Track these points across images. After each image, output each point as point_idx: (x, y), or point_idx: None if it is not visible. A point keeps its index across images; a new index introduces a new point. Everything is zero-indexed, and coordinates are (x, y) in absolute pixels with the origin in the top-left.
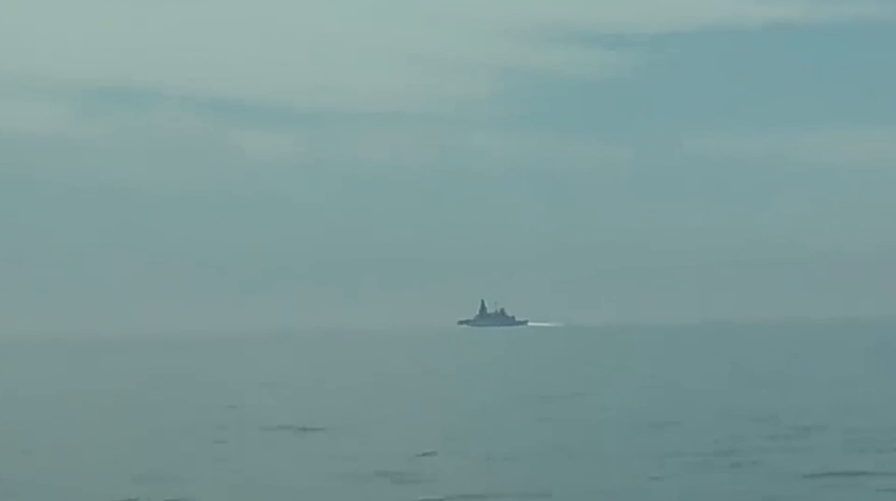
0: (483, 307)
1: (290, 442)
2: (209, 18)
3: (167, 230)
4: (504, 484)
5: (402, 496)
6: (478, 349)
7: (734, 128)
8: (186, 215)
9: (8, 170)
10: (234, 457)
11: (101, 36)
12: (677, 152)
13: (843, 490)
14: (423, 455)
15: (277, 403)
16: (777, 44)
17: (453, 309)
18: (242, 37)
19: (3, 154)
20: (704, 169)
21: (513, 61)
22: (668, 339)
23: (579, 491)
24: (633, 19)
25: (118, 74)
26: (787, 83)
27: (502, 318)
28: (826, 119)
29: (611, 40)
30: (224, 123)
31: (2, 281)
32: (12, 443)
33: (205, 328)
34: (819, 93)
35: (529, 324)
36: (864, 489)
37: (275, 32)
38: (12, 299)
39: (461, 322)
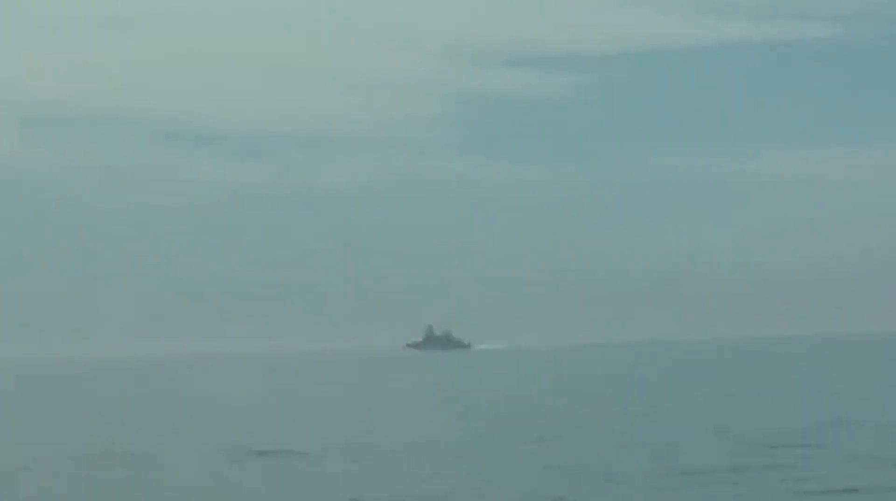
0: (430, 331)
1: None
2: (163, 45)
3: (119, 256)
4: None
5: None
6: (425, 373)
7: (683, 147)
8: (139, 240)
9: None
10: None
11: (56, 62)
12: (625, 173)
13: None
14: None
15: (218, 426)
16: (725, 63)
17: (400, 333)
18: (196, 64)
19: None
20: (652, 189)
21: (461, 83)
22: (615, 358)
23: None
24: (580, 40)
25: (72, 100)
26: (735, 102)
27: (449, 341)
28: (773, 137)
29: (558, 61)
30: (177, 149)
31: None
32: None
33: (154, 352)
34: (767, 111)
35: (476, 347)
36: None
37: (227, 60)
38: None
39: (408, 346)
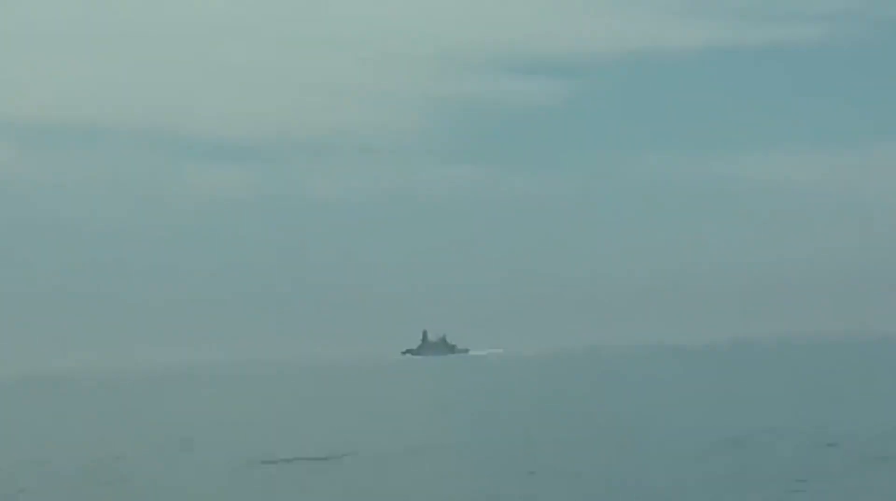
0: (425, 337)
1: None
2: (151, 58)
3: (112, 265)
4: None
5: None
6: (424, 380)
7: (671, 151)
8: (124, 249)
9: None
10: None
11: (44, 74)
12: (613, 177)
13: None
14: None
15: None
16: (713, 66)
17: (396, 340)
18: (183, 75)
19: None
20: (641, 193)
21: (448, 91)
22: (610, 362)
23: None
24: (567, 46)
25: (60, 112)
26: (723, 105)
27: (444, 347)
28: (762, 140)
29: (545, 67)
30: (165, 159)
31: None
32: None
33: (146, 362)
34: (755, 114)
35: (471, 352)
36: None
37: (214, 71)
38: None
39: (404, 352)
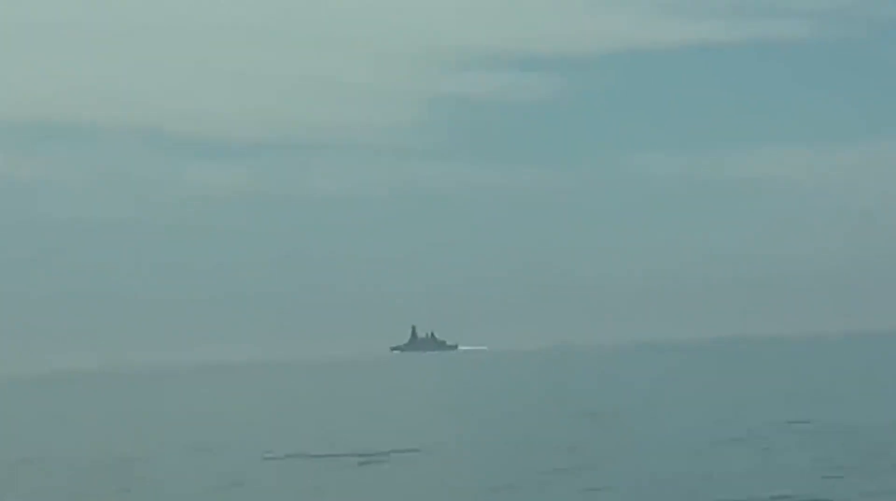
0: (414, 333)
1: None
2: (145, 56)
3: (110, 264)
4: None
5: None
6: (414, 376)
7: (663, 148)
8: (125, 247)
9: None
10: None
11: (37, 71)
12: (606, 175)
13: None
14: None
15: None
16: (704, 63)
17: (384, 336)
18: (178, 73)
19: None
20: (633, 190)
21: (441, 87)
22: (601, 360)
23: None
24: (560, 43)
25: (53, 109)
26: (714, 102)
27: (433, 343)
28: (756, 137)
29: (538, 64)
30: (160, 157)
31: None
32: None
33: (139, 361)
34: (747, 111)
35: (460, 348)
36: None
37: (209, 68)
38: None
39: (393, 349)
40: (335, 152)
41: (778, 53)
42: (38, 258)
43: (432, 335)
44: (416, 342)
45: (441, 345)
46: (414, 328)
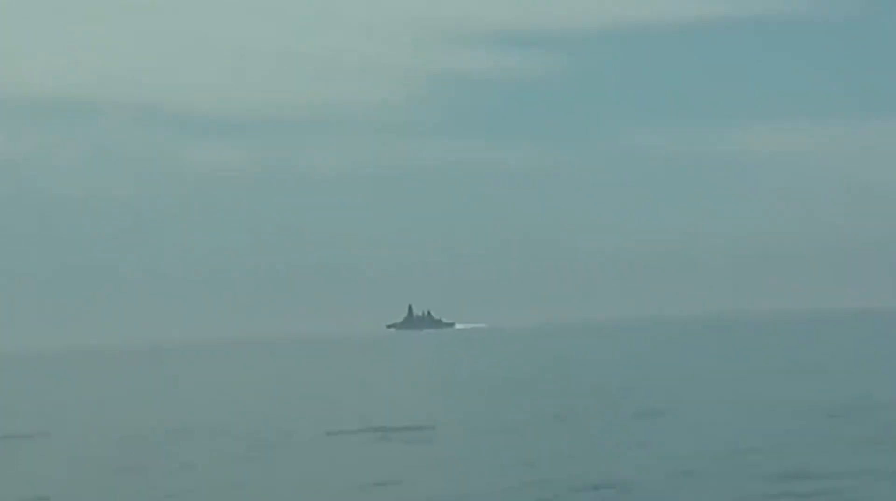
0: (410, 311)
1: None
2: (144, 33)
3: (108, 241)
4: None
5: None
6: (409, 353)
7: (663, 125)
8: (117, 225)
9: None
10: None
11: (35, 50)
12: (605, 151)
13: None
14: None
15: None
16: (704, 40)
17: (380, 314)
18: (176, 50)
19: None
20: (632, 167)
21: (438, 65)
22: (595, 336)
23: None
24: (559, 19)
25: (51, 87)
26: (714, 78)
27: (430, 321)
28: (753, 114)
29: (536, 41)
30: (158, 135)
31: None
32: None
33: (137, 338)
34: (747, 87)
35: (457, 326)
36: None
37: (207, 46)
38: None
39: (389, 326)
40: (334, 130)
41: (776, 30)
42: (36, 235)
43: (428, 313)
44: (412, 320)
45: (437, 323)
46: (410, 307)
